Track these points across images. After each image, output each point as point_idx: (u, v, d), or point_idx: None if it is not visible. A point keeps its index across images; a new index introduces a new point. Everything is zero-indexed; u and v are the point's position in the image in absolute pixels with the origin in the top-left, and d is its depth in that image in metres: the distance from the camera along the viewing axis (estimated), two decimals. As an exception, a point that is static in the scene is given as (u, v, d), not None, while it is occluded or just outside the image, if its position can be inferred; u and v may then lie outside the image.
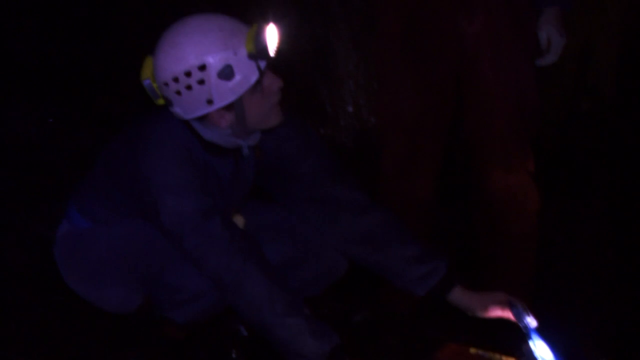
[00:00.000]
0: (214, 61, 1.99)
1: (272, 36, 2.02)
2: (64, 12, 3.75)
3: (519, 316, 2.10)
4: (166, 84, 2.02)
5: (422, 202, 2.62)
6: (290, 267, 2.35)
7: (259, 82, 2.05)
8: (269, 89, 2.07)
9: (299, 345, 2.00)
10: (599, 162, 3.64)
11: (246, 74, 2.02)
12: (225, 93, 2.02)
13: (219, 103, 2.03)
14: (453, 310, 2.21)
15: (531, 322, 2.10)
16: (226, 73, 2.00)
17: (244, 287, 2.04)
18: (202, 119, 2.09)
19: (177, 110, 2.06)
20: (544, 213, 2.65)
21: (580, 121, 3.81)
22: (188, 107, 2.04)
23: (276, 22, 2.06)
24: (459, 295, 2.20)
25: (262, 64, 2.03)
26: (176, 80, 2.01)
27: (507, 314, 2.13)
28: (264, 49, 2.00)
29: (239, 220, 2.31)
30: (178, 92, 2.02)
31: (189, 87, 2.01)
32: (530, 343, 2.08)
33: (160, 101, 2.08)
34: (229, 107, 2.05)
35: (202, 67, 1.99)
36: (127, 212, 2.22)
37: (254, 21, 2.08)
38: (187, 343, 2.29)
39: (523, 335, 2.07)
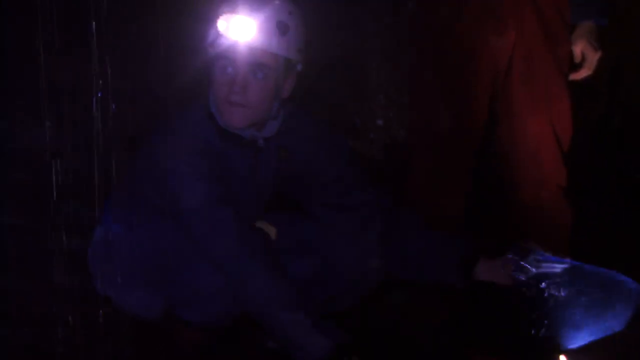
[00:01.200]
0: (220, 7, 2.10)
1: (234, 24, 2.07)
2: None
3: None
4: None
5: (451, 219, 2.59)
6: (318, 281, 2.33)
7: (219, 59, 2.11)
8: (218, 72, 2.13)
9: (302, 341, 1.98)
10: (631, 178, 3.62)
11: (213, 35, 2.11)
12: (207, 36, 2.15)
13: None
14: (483, 322, 2.17)
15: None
16: (213, 22, 2.11)
17: (249, 280, 2.05)
18: None
19: None
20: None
21: (612, 137, 3.79)
22: None
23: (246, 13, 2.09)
24: (484, 268, 2.18)
25: (221, 42, 2.09)
26: None
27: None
28: (219, 25, 2.08)
29: (271, 231, 2.32)
30: None
31: None
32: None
33: None
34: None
35: None
36: (148, 209, 2.23)
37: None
38: (210, 349, 2.28)
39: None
